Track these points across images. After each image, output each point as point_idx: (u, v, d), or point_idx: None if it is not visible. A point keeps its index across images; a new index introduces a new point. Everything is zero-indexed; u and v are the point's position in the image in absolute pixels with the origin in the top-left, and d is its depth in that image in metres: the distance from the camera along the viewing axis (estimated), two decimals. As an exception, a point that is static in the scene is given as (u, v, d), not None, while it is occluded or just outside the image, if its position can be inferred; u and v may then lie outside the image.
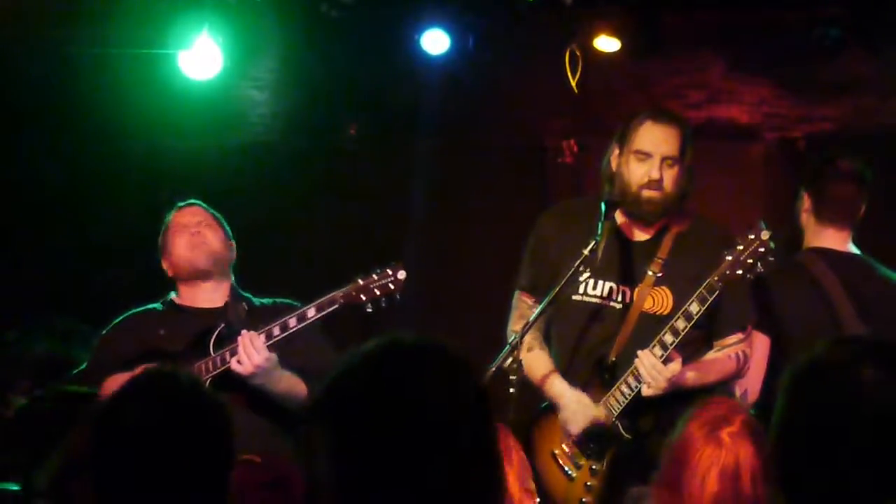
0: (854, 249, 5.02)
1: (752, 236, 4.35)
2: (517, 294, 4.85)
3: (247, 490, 4.78)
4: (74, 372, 5.11)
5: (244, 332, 4.61)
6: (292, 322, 4.59)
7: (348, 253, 7.50)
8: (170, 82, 6.71)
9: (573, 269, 4.46)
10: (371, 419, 1.96)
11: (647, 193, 4.56)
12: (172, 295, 5.03)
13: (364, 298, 4.47)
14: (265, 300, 5.05)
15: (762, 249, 4.33)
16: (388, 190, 7.46)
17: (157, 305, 5.03)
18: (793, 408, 2.19)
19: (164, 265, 5.04)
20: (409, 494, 1.93)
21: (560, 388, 4.61)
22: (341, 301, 4.50)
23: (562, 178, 7.38)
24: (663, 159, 4.54)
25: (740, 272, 4.35)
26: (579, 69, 6.76)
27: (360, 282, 4.49)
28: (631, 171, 4.57)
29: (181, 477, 2.46)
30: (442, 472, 1.95)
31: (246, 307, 4.93)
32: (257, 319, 4.84)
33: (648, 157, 4.54)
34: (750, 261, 4.34)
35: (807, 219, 5.07)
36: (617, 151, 4.64)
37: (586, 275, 4.63)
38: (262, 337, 4.59)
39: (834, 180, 5.01)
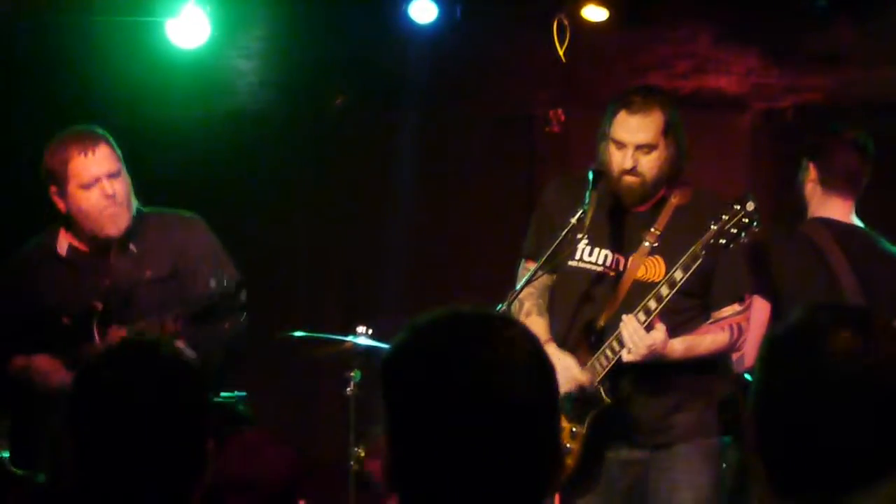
0: (857, 221, 5.05)
1: (738, 207, 4.37)
2: (522, 262, 4.86)
3: (267, 445, 5.24)
4: None
5: None
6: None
7: (334, 221, 7.52)
8: (157, 51, 6.67)
9: (560, 238, 4.50)
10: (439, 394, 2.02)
11: (625, 180, 4.61)
12: (59, 239, 4.91)
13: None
14: (165, 211, 4.97)
15: (746, 220, 4.36)
16: (374, 159, 7.46)
17: (37, 251, 4.94)
18: (769, 375, 2.19)
19: (58, 201, 4.83)
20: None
21: (550, 354, 4.63)
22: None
23: (549, 147, 7.38)
24: (638, 147, 4.56)
25: (723, 241, 4.38)
26: (567, 38, 6.75)
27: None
28: (611, 157, 4.61)
29: (161, 444, 2.48)
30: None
31: (134, 249, 4.84)
32: (146, 247, 4.83)
33: (623, 146, 4.57)
34: (734, 231, 4.37)
35: (812, 189, 5.09)
36: (605, 130, 4.65)
37: (584, 242, 4.65)
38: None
39: (840, 150, 5.04)
